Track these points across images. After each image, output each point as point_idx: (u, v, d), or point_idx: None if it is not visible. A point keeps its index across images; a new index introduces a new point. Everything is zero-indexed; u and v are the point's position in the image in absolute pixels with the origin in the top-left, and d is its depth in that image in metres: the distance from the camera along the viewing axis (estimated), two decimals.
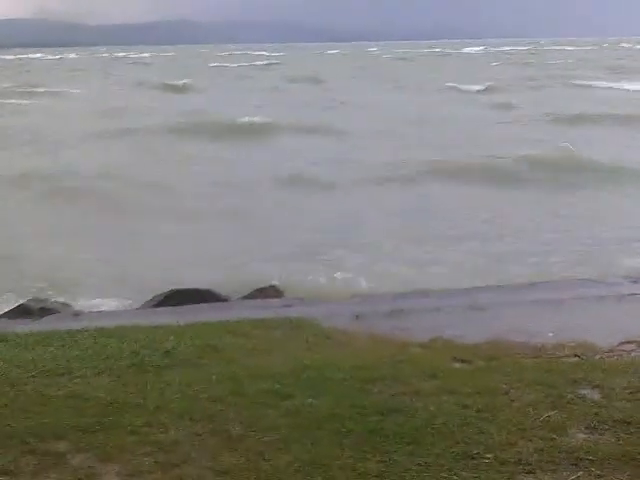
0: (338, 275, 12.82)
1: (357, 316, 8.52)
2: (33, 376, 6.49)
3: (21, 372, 6.58)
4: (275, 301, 10.20)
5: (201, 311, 9.15)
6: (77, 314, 9.38)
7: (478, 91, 51.83)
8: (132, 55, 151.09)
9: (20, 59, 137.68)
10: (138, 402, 5.88)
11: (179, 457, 5.04)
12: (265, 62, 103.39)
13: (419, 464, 4.86)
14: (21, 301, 10.38)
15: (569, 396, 5.86)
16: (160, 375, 6.48)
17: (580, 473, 4.75)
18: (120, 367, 6.67)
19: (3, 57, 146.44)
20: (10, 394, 6.08)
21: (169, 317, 8.61)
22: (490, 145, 26.72)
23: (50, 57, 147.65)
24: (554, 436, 5.21)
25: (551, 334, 7.46)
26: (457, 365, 6.67)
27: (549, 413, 5.55)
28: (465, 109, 40.03)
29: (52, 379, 6.42)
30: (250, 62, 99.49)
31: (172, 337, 7.50)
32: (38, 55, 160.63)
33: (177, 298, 10.18)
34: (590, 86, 54.43)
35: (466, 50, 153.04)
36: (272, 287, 11.21)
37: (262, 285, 11.29)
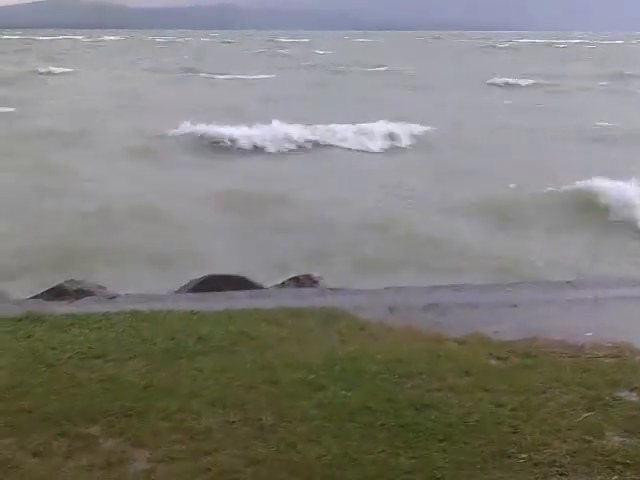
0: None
1: (391, 309, 8.44)
2: (68, 358, 6.53)
3: (56, 353, 6.62)
4: (309, 290, 10.14)
5: (236, 298, 9.12)
6: (113, 297, 9.40)
7: None
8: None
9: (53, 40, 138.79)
10: (171, 388, 5.89)
11: (211, 445, 5.04)
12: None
13: (452, 461, 4.82)
14: (58, 282, 10.46)
15: (607, 398, 5.77)
16: (194, 361, 6.48)
17: (615, 477, 4.68)
18: (154, 352, 6.68)
19: (48, 38, 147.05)
20: (45, 375, 6.13)
21: (204, 303, 8.61)
22: None
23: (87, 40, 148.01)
24: (590, 438, 5.13)
25: (590, 334, 7.32)
26: (493, 362, 6.58)
27: (586, 414, 5.47)
28: None
29: (87, 361, 6.46)
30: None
31: (207, 323, 7.50)
32: (78, 37, 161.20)
33: (212, 284, 10.17)
34: None
35: (515, 42, 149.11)
36: (307, 276, 11.15)
37: (297, 274, 11.26)
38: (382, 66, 72.57)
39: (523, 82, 55.11)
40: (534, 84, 54.29)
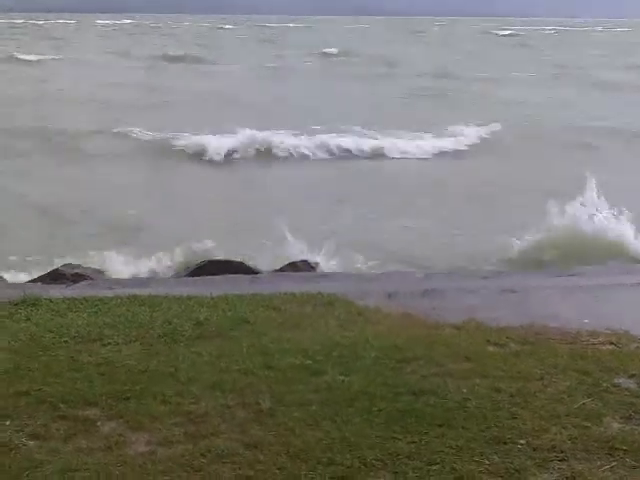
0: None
1: (390, 294, 8.44)
2: (65, 341, 6.52)
3: (53, 337, 6.61)
4: (307, 275, 10.15)
5: (233, 283, 9.12)
6: (110, 281, 9.41)
7: None
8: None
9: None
10: (169, 372, 5.89)
11: (209, 429, 5.03)
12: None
13: (450, 447, 4.81)
14: (55, 266, 10.45)
15: (604, 384, 5.77)
16: (191, 346, 6.47)
17: (614, 463, 4.68)
18: (152, 336, 6.67)
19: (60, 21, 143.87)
20: (42, 359, 6.12)
21: (201, 288, 8.60)
22: None
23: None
24: (588, 424, 5.13)
25: (587, 321, 7.33)
26: (491, 348, 6.58)
27: (584, 401, 5.47)
28: None
29: (84, 345, 6.45)
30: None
31: (204, 308, 7.49)
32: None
33: (210, 269, 10.18)
34: None
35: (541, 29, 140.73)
36: (304, 262, 11.17)
37: (294, 259, 11.26)
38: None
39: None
40: None
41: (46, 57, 54.41)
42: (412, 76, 45.19)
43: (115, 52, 61.24)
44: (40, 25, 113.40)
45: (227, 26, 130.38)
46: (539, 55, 66.30)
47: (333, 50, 66.58)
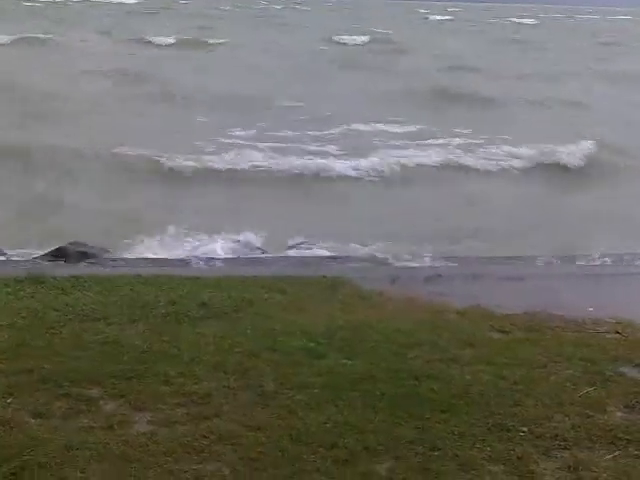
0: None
1: (393, 279, 8.41)
2: (70, 320, 6.51)
3: (58, 315, 6.60)
4: (312, 258, 10.13)
5: (238, 264, 9.11)
6: (115, 260, 9.39)
7: None
8: None
9: None
10: (173, 352, 5.88)
11: (211, 410, 5.03)
12: None
13: (453, 432, 4.81)
14: (60, 244, 10.42)
15: (608, 373, 5.76)
16: (195, 326, 6.47)
17: (617, 452, 4.67)
18: (156, 316, 6.67)
19: None
20: (46, 337, 6.11)
21: (206, 268, 8.59)
22: None
23: None
24: (592, 413, 5.13)
25: (591, 309, 7.30)
26: (495, 335, 6.57)
27: (587, 389, 5.46)
28: None
29: (88, 324, 6.44)
30: None
31: (209, 289, 7.48)
32: None
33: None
34: None
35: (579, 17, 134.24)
36: (309, 244, 11.14)
37: (298, 242, 11.24)
38: None
39: None
40: None
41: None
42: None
43: None
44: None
45: None
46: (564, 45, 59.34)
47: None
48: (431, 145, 19.49)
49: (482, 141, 20.00)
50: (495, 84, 32.15)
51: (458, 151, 18.77)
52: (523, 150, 18.61)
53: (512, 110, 26.09)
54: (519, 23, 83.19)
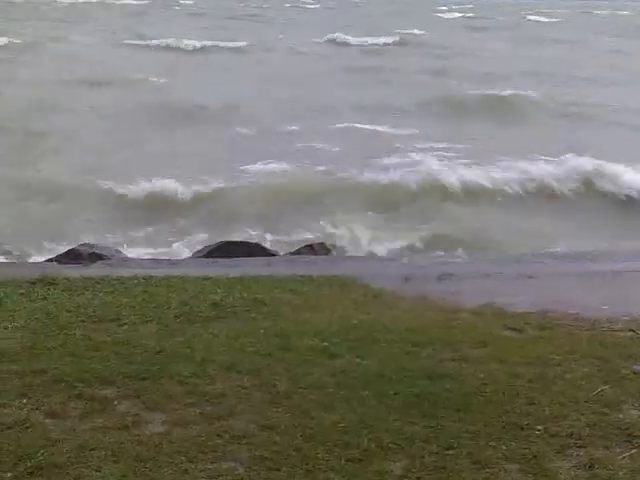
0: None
1: (406, 278, 8.40)
2: (82, 321, 6.52)
3: (71, 316, 6.62)
4: (323, 258, 10.14)
5: (250, 264, 9.11)
6: (127, 261, 9.42)
7: None
8: None
9: None
10: (185, 352, 5.88)
11: (224, 409, 5.02)
12: None
13: (467, 432, 4.78)
14: (72, 245, 10.48)
15: (623, 371, 5.73)
16: (208, 326, 6.47)
17: (634, 451, 4.64)
18: (168, 316, 6.67)
19: None
20: (59, 338, 6.12)
21: (218, 269, 8.60)
22: None
23: None
24: (607, 411, 5.10)
25: (606, 307, 7.27)
26: (508, 333, 6.54)
27: (602, 387, 5.43)
28: None
29: (101, 325, 6.45)
30: None
31: (220, 289, 7.49)
32: None
33: (226, 250, 10.18)
34: None
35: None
36: (321, 244, 11.15)
37: (311, 242, 11.26)
38: None
39: None
40: None
41: None
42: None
43: None
44: None
45: None
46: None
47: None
48: None
49: None
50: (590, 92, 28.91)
51: None
52: None
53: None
54: (537, 21, 79.52)
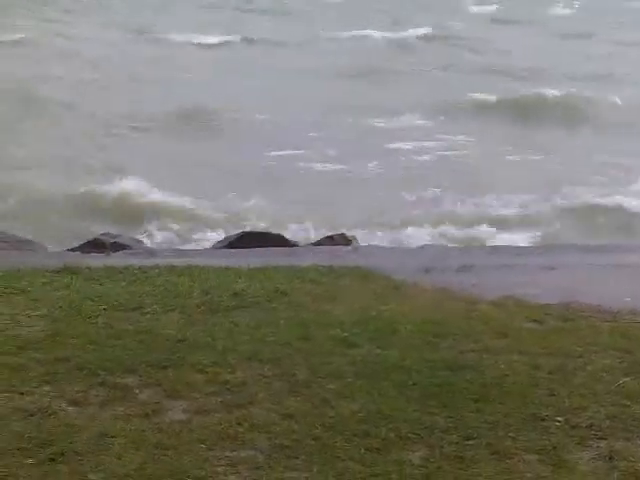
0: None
1: (427, 270, 8.39)
2: (105, 309, 6.57)
3: (93, 305, 6.66)
4: (344, 249, 10.14)
5: (271, 255, 9.13)
6: (149, 251, 9.48)
7: None
8: None
9: None
10: (207, 341, 5.91)
11: (245, 398, 5.05)
12: None
13: (487, 422, 4.77)
14: (94, 235, 10.55)
15: None
16: (229, 316, 6.50)
17: None
18: (190, 306, 6.71)
19: None
20: (82, 326, 6.18)
21: (239, 259, 8.63)
22: None
23: None
24: (628, 403, 5.07)
25: (628, 299, 7.22)
26: (529, 324, 6.52)
27: (624, 379, 5.40)
28: None
29: (123, 314, 6.50)
30: None
31: (242, 279, 7.52)
32: None
33: (248, 241, 10.21)
34: None
35: None
36: (341, 235, 11.16)
37: (331, 232, 11.27)
38: None
39: None
40: None
41: None
42: None
43: None
44: None
45: None
46: None
47: None
48: None
49: None
50: None
51: None
52: None
53: None
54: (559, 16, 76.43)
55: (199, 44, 33.72)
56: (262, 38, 38.22)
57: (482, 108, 21.95)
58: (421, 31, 43.40)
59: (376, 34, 43.35)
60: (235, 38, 37.74)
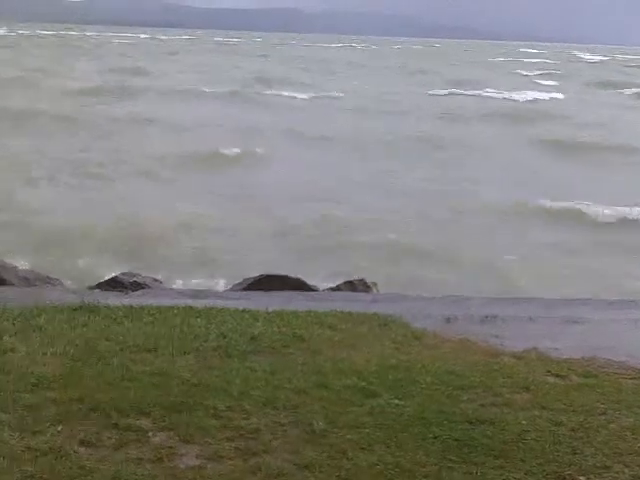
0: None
1: (448, 319, 8.27)
2: (121, 350, 6.51)
3: (109, 345, 6.61)
4: (364, 295, 10.05)
5: (289, 299, 9.06)
6: (167, 291, 9.44)
7: None
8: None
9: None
10: (222, 386, 5.82)
11: (260, 446, 4.95)
12: None
13: (508, 479, 4.64)
14: (114, 274, 10.54)
15: None
16: (245, 360, 6.41)
17: None
18: (206, 349, 6.63)
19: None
20: (97, 366, 6.11)
21: (257, 302, 8.56)
22: None
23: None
24: None
25: None
26: (551, 379, 6.38)
27: None
28: None
29: (139, 355, 6.43)
30: None
31: (259, 322, 7.44)
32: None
33: (266, 283, 10.15)
34: None
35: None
36: (361, 280, 11.07)
37: (351, 278, 11.18)
38: None
39: None
40: None
41: None
42: None
43: None
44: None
45: None
46: None
47: None
48: None
49: None
50: None
51: None
52: None
53: None
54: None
55: None
56: None
57: None
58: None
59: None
60: None
